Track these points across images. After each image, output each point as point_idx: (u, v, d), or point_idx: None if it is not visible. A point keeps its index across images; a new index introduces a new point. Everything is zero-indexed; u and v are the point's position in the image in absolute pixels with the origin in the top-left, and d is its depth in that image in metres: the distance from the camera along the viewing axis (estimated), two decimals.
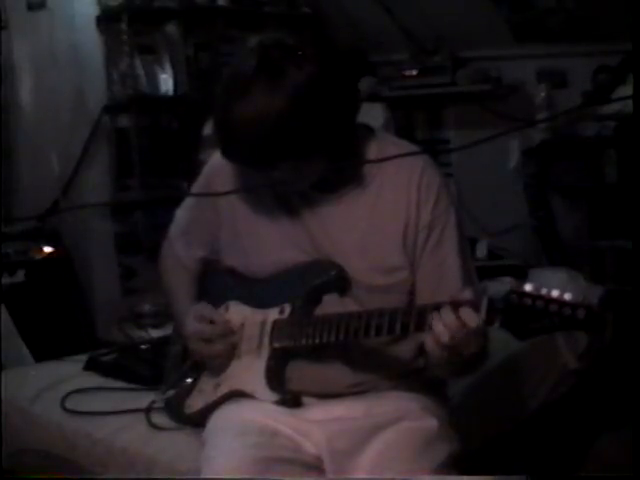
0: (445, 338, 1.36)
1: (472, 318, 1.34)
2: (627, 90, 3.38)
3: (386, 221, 1.58)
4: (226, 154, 1.55)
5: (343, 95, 1.53)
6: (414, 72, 4.22)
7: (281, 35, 1.51)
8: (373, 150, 1.61)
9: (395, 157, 1.56)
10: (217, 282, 1.80)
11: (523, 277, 3.23)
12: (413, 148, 1.70)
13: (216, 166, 1.72)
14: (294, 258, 1.61)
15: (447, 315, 1.36)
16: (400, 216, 1.57)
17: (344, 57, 1.58)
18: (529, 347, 2.53)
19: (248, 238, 1.68)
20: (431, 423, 1.60)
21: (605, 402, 2.72)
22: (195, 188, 1.81)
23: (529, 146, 3.95)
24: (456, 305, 1.36)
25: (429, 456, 1.55)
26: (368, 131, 1.65)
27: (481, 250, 3.63)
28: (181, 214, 1.85)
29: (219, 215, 1.71)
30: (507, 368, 2.40)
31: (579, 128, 3.86)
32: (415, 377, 1.65)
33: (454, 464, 1.57)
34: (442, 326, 1.36)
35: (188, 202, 1.83)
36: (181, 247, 1.83)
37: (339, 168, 1.57)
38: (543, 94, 4.04)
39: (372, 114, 4.21)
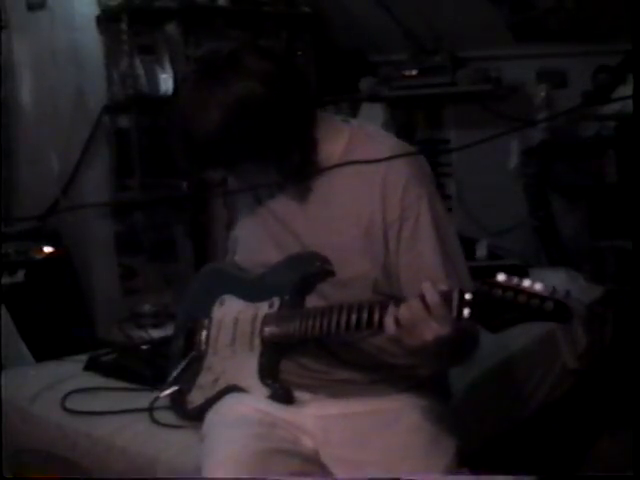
0: (406, 319, 1.34)
1: (433, 296, 1.32)
2: (627, 90, 3.37)
3: (349, 213, 1.56)
4: (174, 158, 1.59)
5: (283, 108, 1.52)
6: (414, 72, 4.22)
7: (221, 45, 1.55)
8: (340, 145, 1.59)
9: (389, 158, 1.55)
10: (215, 275, 1.83)
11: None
12: (388, 142, 1.65)
13: None
14: (275, 255, 1.63)
15: (415, 303, 1.35)
16: (364, 209, 1.55)
17: (295, 70, 1.60)
18: (529, 347, 2.53)
19: (240, 236, 1.74)
20: (432, 421, 1.60)
21: (605, 402, 2.73)
22: None
23: (529, 146, 3.95)
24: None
25: (438, 454, 1.57)
26: (341, 124, 1.64)
27: (481, 250, 3.62)
28: None
29: (233, 204, 1.80)
30: (507, 368, 2.40)
31: (579, 128, 3.85)
32: (408, 373, 1.64)
33: (460, 462, 1.58)
34: (407, 312, 1.35)
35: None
36: None
37: (297, 166, 1.56)
38: (543, 94, 4.04)
39: (372, 114, 4.22)
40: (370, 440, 1.58)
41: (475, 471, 1.61)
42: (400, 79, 4.24)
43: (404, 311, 1.36)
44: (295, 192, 1.62)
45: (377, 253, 1.55)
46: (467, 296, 1.31)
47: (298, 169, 1.57)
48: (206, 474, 1.52)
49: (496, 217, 4.08)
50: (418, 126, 4.51)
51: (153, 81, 3.81)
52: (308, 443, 1.60)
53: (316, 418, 1.60)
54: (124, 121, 3.76)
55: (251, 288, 1.69)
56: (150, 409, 1.86)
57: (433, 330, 1.33)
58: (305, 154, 1.57)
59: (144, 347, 2.42)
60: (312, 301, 1.59)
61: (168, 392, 1.81)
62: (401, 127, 4.34)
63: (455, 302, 1.31)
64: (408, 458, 1.54)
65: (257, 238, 1.69)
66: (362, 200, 1.56)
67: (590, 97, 3.77)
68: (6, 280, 3.12)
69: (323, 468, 1.58)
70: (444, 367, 1.65)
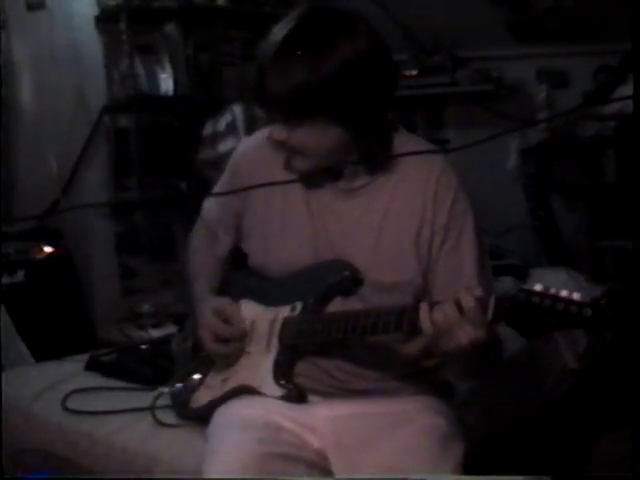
0: (440, 321, 1.36)
1: (468, 301, 1.34)
2: (627, 90, 3.37)
3: (401, 218, 1.57)
4: (259, 100, 1.55)
5: (385, 77, 1.56)
6: (414, 72, 4.22)
7: (332, 5, 1.56)
8: (395, 145, 1.60)
9: (413, 153, 1.57)
10: (231, 280, 1.81)
11: (524, 277, 3.23)
12: (432, 148, 1.69)
13: (243, 153, 1.75)
14: (309, 258, 1.62)
15: (449, 307, 1.37)
16: (415, 214, 1.57)
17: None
18: (529, 348, 2.53)
19: (265, 234, 1.68)
20: (442, 423, 1.61)
21: (605, 402, 2.73)
22: (222, 178, 1.81)
23: (529, 146, 3.95)
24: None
25: (448, 456, 1.57)
26: (392, 125, 1.64)
27: None
28: (209, 204, 1.85)
29: (243, 204, 1.72)
30: (507, 368, 2.40)
31: (579, 128, 3.86)
32: (423, 377, 1.65)
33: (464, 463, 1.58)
34: (441, 315, 1.37)
35: (217, 189, 1.83)
36: (214, 234, 1.81)
37: (365, 155, 1.56)
38: (543, 94, 4.04)
39: None
40: (380, 441, 1.57)
41: (473, 472, 1.61)
42: (400, 79, 4.24)
43: (438, 314, 1.37)
44: (346, 190, 1.60)
45: (422, 258, 1.57)
46: (505, 303, 1.33)
47: (366, 157, 1.57)
48: (207, 475, 1.52)
49: (496, 217, 4.07)
50: (418, 126, 4.51)
51: (153, 81, 3.82)
52: (315, 445, 1.59)
53: (326, 419, 1.60)
54: (124, 121, 3.76)
55: (271, 292, 1.68)
56: (152, 407, 1.86)
57: (468, 334, 1.35)
58: (384, 134, 1.58)
59: (144, 347, 2.42)
60: (350, 303, 1.58)
61: (174, 390, 1.81)
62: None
63: (492, 307, 1.34)
64: (417, 460, 1.53)
65: (289, 236, 1.64)
66: (414, 205, 1.57)
67: (590, 97, 3.78)
68: (6, 280, 3.11)
69: (327, 473, 1.58)
70: (474, 375, 1.67)
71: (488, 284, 1.56)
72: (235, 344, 1.67)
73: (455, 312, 1.35)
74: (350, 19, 1.53)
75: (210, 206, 1.84)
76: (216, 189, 1.83)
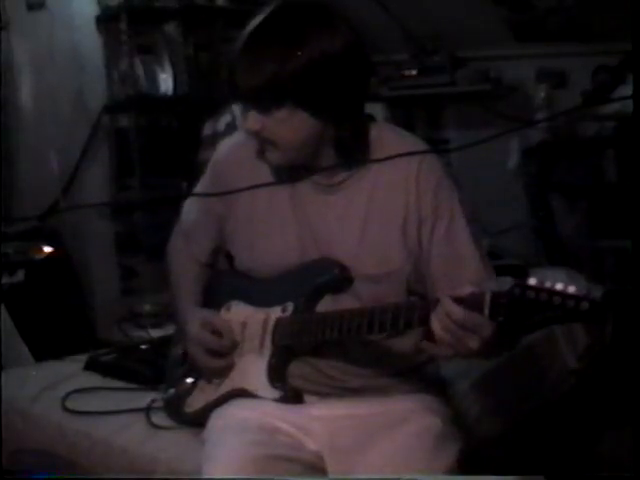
0: (438, 330, 1.35)
1: (455, 311, 1.33)
2: (627, 90, 3.37)
3: (385, 208, 1.56)
4: (232, 91, 1.54)
5: (357, 72, 1.53)
6: (414, 72, 4.22)
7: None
8: (372, 135, 1.59)
9: (406, 154, 1.55)
10: (219, 282, 1.80)
11: (524, 277, 3.22)
12: (410, 136, 1.68)
13: (223, 157, 1.73)
14: (295, 256, 1.61)
15: (440, 310, 1.35)
16: (400, 202, 1.55)
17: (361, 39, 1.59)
18: (529, 347, 2.53)
19: (251, 235, 1.67)
20: (437, 423, 1.61)
21: (605, 402, 2.73)
22: (203, 180, 1.79)
23: (529, 146, 3.95)
24: (458, 300, 1.35)
25: (442, 456, 1.56)
26: (368, 117, 1.63)
27: None
28: (190, 207, 1.83)
29: (225, 207, 1.70)
30: (507, 368, 2.40)
31: (579, 128, 3.85)
32: (417, 376, 1.65)
33: (462, 463, 1.58)
34: (437, 320, 1.36)
35: (197, 191, 1.81)
36: (193, 238, 1.81)
37: (339, 148, 1.55)
38: (543, 94, 4.04)
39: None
40: (375, 442, 1.57)
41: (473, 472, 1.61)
42: (400, 79, 4.24)
43: (443, 334, 1.35)
44: (328, 185, 1.59)
45: (412, 248, 1.56)
46: (501, 298, 1.32)
47: (344, 151, 1.56)
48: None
49: (496, 217, 4.07)
50: (418, 126, 4.51)
51: (153, 81, 3.82)
52: (311, 447, 1.59)
53: (321, 420, 1.60)
54: (124, 121, 3.76)
55: (260, 293, 1.67)
56: (147, 409, 1.86)
57: (475, 340, 1.34)
58: (358, 126, 1.57)
59: (144, 347, 2.42)
60: (343, 298, 1.58)
61: (167, 396, 1.81)
62: (401, 127, 4.33)
63: (489, 304, 1.32)
64: (412, 460, 1.53)
65: (275, 236, 1.64)
66: (397, 193, 1.55)
67: (590, 97, 3.77)
68: (6, 280, 3.12)
69: (324, 474, 1.58)
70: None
71: (490, 270, 1.56)
72: (228, 357, 1.66)
73: (457, 329, 1.34)
74: (325, 13, 1.53)
75: (190, 210, 1.82)
76: (196, 192, 1.81)
